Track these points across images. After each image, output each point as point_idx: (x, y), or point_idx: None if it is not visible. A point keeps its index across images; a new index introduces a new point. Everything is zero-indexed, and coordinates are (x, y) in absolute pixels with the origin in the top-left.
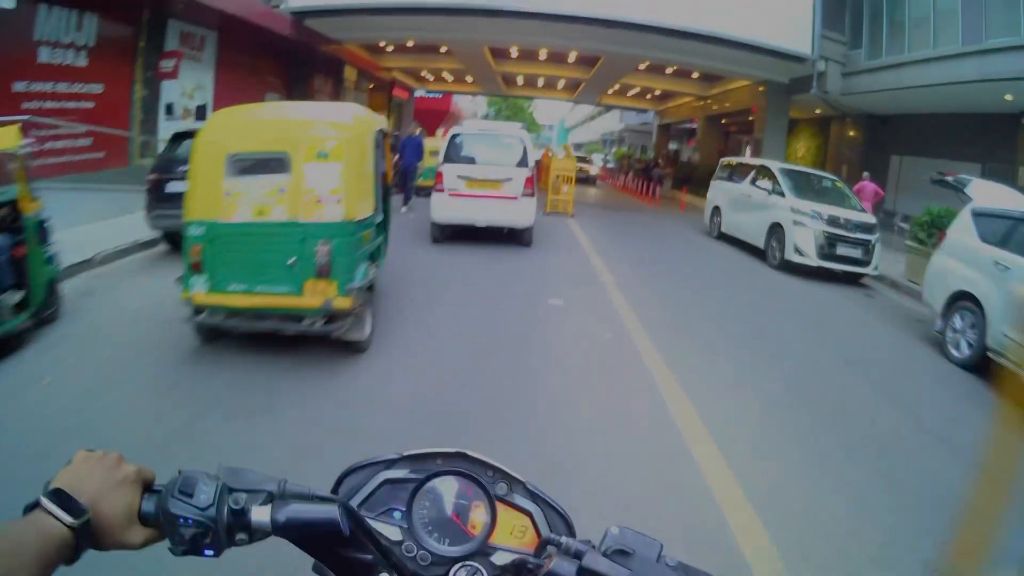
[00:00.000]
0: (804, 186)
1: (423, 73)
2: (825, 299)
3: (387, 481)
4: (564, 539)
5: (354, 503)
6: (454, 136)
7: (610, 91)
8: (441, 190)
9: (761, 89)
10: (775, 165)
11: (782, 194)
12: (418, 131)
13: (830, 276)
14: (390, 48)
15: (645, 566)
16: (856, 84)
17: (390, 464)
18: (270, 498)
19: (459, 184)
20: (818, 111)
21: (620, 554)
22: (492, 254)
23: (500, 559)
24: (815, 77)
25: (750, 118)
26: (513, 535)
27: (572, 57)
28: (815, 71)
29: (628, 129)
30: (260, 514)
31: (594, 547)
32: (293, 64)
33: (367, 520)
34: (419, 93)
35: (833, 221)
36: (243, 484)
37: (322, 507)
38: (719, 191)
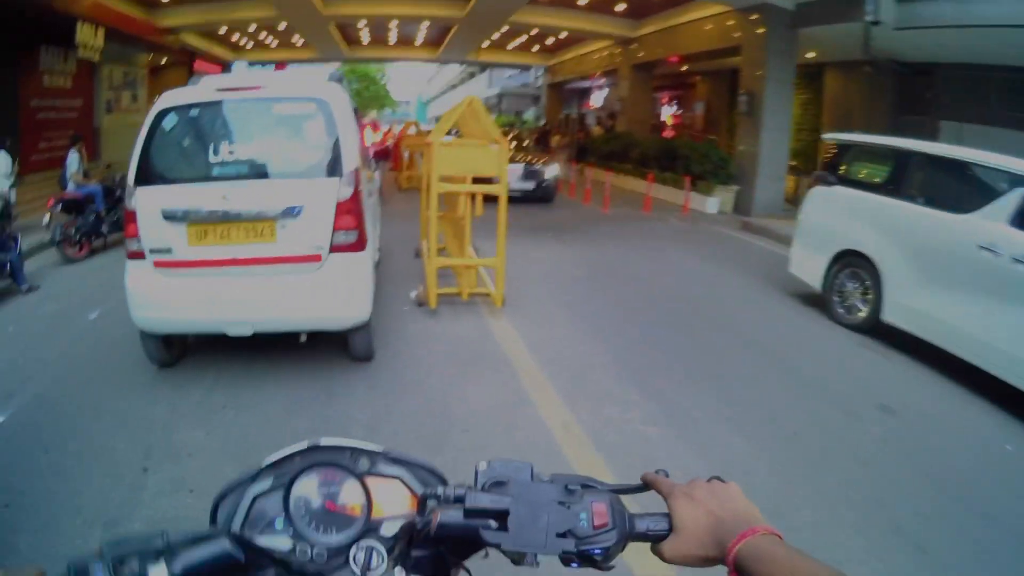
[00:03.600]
0: None
1: (235, 37)
2: None
3: (258, 496)
4: (440, 489)
5: (236, 528)
6: (160, 115)
7: (486, 42)
8: (138, 254)
9: (754, 18)
10: None
11: None
12: None
13: None
14: None
15: (522, 488)
16: (916, 15)
17: (254, 479)
18: (159, 555)
19: (174, 237)
20: (810, 55)
21: (496, 485)
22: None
23: (389, 529)
24: None
25: (684, 68)
26: (393, 504)
27: None
28: None
29: (506, 93)
30: (158, 574)
31: (471, 487)
32: None
33: (255, 540)
34: (239, 66)
35: None
36: (130, 550)
37: (211, 544)
38: (853, 215)
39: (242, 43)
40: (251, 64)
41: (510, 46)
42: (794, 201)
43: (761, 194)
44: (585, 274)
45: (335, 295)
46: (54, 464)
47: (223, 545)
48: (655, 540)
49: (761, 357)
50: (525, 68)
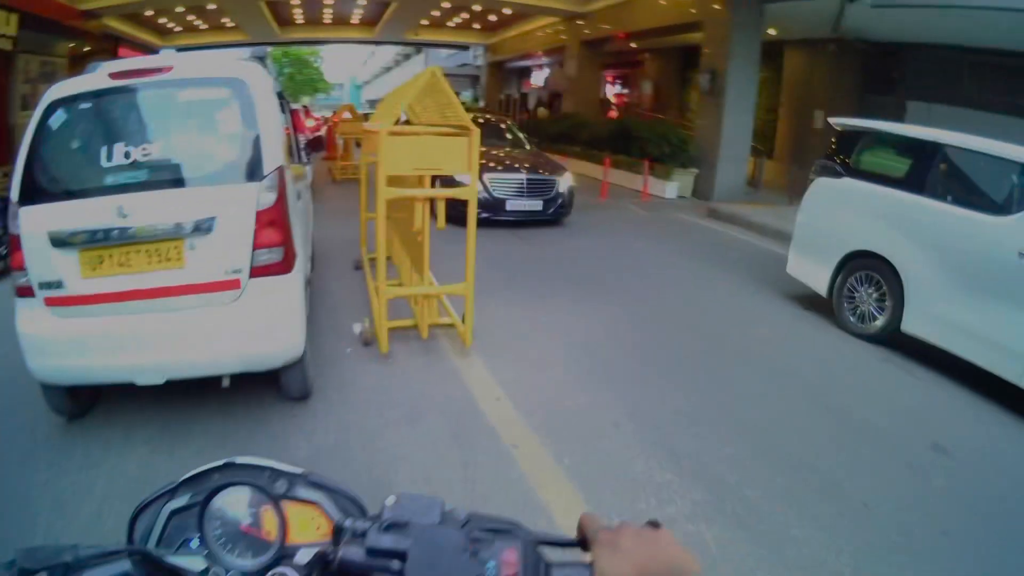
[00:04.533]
0: None
1: (162, 20)
2: None
3: (174, 512)
4: (349, 522)
5: (150, 544)
6: (49, 111)
7: (425, 21)
8: (27, 290)
9: None
10: None
11: None
12: None
13: None
14: None
15: (425, 531)
16: None
17: (171, 494)
18: (65, 569)
19: (65, 266)
20: (772, 31)
21: (397, 525)
22: None
23: (303, 557)
24: None
25: (634, 45)
26: (309, 530)
27: None
28: None
29: (445, 74)
30: None
31: (375, 524)
32: None
33: (166, 559)
34: (167, 53)
35: None
36: (39, 563)
37: (114, 565)
38: (868, 212)
39: (170, 27)
40: (179, 50)
41: (449, 24)
42: (755, 184)
43: (722, 177)
44: (553, 281)
45: (260, 329)
46: None
47: (124, 567)
48: None
49: (782, 385)
50: (464, 47)
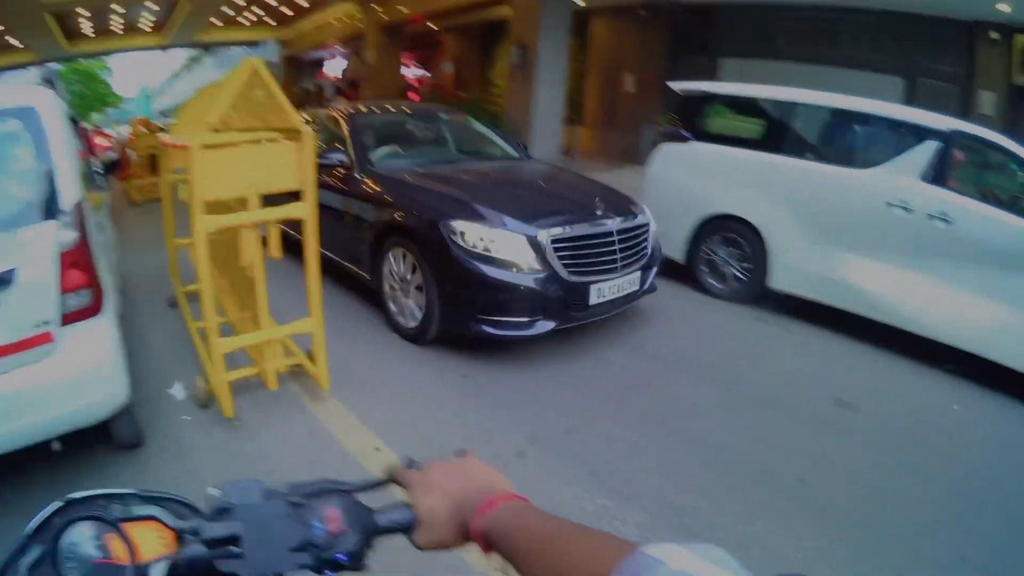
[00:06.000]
0: None
1: None
2: None
3: (31, 568)
4: (187, 523)
5: None
6: None
7: (217, 20)
8: None
9: None
10: None
11: None
12: None
13: None
14: None
15: (250, 509)
16: None
17: (23, 552)
18: None
19: None
20: (581, 2)
21: (223, 511)
22: None
23: (157, 571)
24: None
25: (433, 26)
26: (156, 544)
27: None
28: None
29: None
30: None
31: (203, 518)
32: None
33: None
34: None
35: None
36: None
37: None
38: (723, 175)
39: None
40: None
41: (242, 20)
42: (570, 153)
43: (537, 150)
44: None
45: (81, 380)
46: None
47: None
48: (404, 531)
49: (666, 366)
50: (254, 44)
